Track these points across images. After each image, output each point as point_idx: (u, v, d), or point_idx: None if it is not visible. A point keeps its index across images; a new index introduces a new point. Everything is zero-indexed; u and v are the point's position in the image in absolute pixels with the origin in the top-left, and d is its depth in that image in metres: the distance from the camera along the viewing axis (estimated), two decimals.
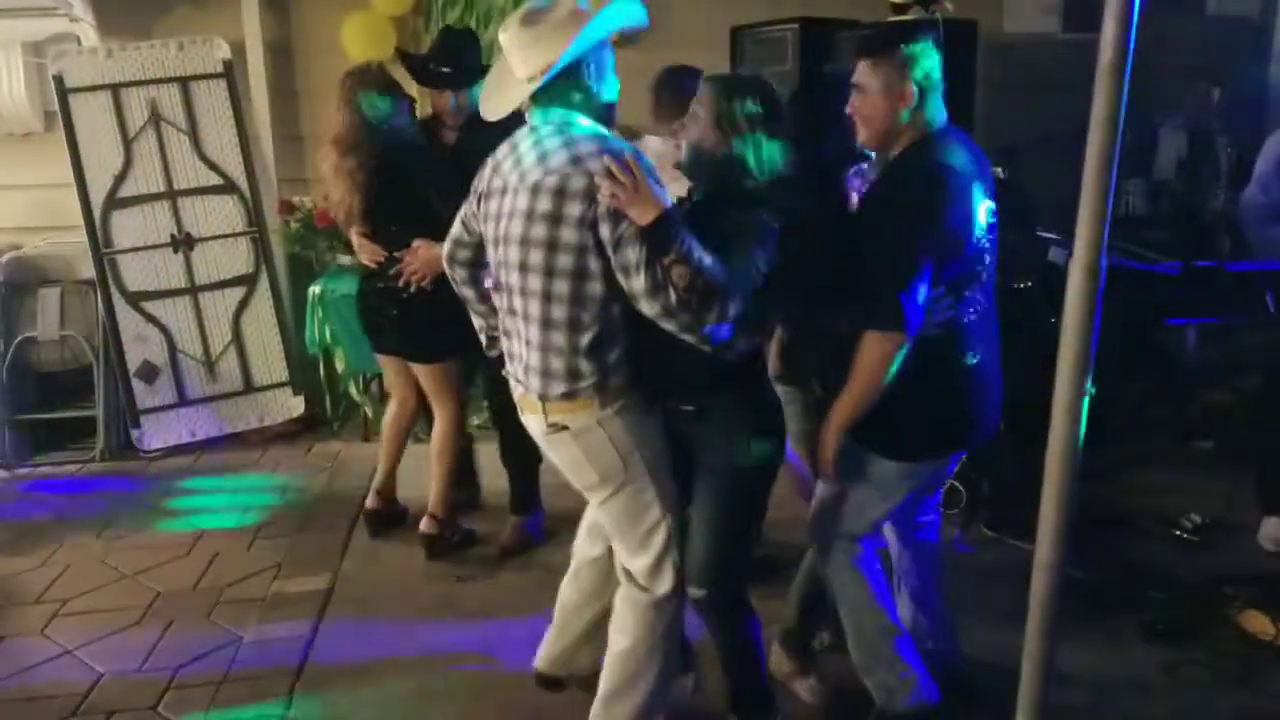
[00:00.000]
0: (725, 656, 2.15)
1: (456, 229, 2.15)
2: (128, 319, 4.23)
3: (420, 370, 3.15)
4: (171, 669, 2.61)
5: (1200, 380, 3.98)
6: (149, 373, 4.25)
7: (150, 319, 4.27)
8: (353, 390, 4.32)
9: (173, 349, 4.29)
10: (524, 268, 1.85)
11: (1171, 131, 4.66)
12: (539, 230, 1.81)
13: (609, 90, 1.90)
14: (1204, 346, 2.58)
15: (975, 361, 2.01)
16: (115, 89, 4.21)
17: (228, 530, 3.48)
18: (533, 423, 1.97)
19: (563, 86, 1.84)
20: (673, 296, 1.73)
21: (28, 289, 4.25)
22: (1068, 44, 5.02)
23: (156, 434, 4.24)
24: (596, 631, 2.24)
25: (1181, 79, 4.72)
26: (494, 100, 1.95)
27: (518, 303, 1.90)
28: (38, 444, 4.26)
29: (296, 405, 4.46)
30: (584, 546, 2.27)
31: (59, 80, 4.14)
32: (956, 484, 3.41)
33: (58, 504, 3.77)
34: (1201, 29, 5.22)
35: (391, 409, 3.38)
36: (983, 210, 1.97)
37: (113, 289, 4.20)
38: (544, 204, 1.80)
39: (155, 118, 4.26)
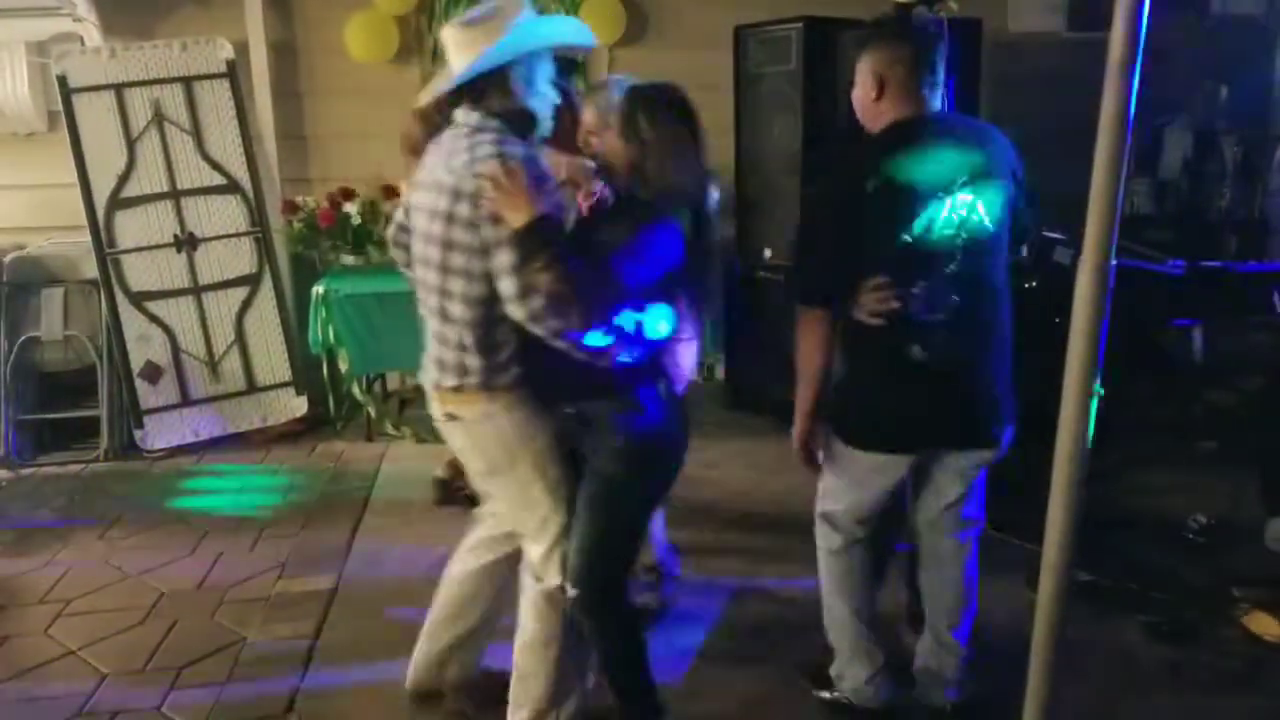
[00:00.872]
0: (602, 660, 2.15)
1: (400, 215, 2.23)
2: (131, 319, 4.23)
3: None
4: (175, 670, 2.61)
5: (1204, 381, 3.97)
6: (152, 373, 4.25)
7: (153, 319, 4.27)
8: (356, 390, 4.32)
9: (176, 349, 4.29)
10: (426, 263, 1.93)
11: (1177, 131, 4.65)
12: (438, 228, 1.88)
13: (538, 102, 1.95)
14: (1209, 347, 2.57)
15: (924, 357, 1.98)
16: (119, 89, 4.21)
17: (231, 530, 3.48)
18: (433, 408, 2.05)
19: (487, 90, 1.90)
20: (538, 302, 1.77)
21: (31, 289, 4.25)
22: (1072, 43, 5.01)
23: (160, 434, 4.24)
24: (467, 642, 2.30)
25: (1186, 78, 4.72)
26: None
27: (422, 294, 2.00)
28: (41, 444, 4.26)
29: (300, 405, 4.46)
30: (468, 558, 2.29)
31: (62, 80, 4.14)
32: None
33: (61, 504, 3.76)
34: (1206, 28, 5.22)
35: None
36: (949, 206, 1.94)
37: (116, 289, 4.20)
38: (443, 203, 1.86)
39: (159, 118, 4.26)
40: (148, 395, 4.24)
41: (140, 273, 4.25)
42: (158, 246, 4.28)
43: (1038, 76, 4.87)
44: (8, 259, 4.27)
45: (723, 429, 4.32)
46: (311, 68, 4.69)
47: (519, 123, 1.93)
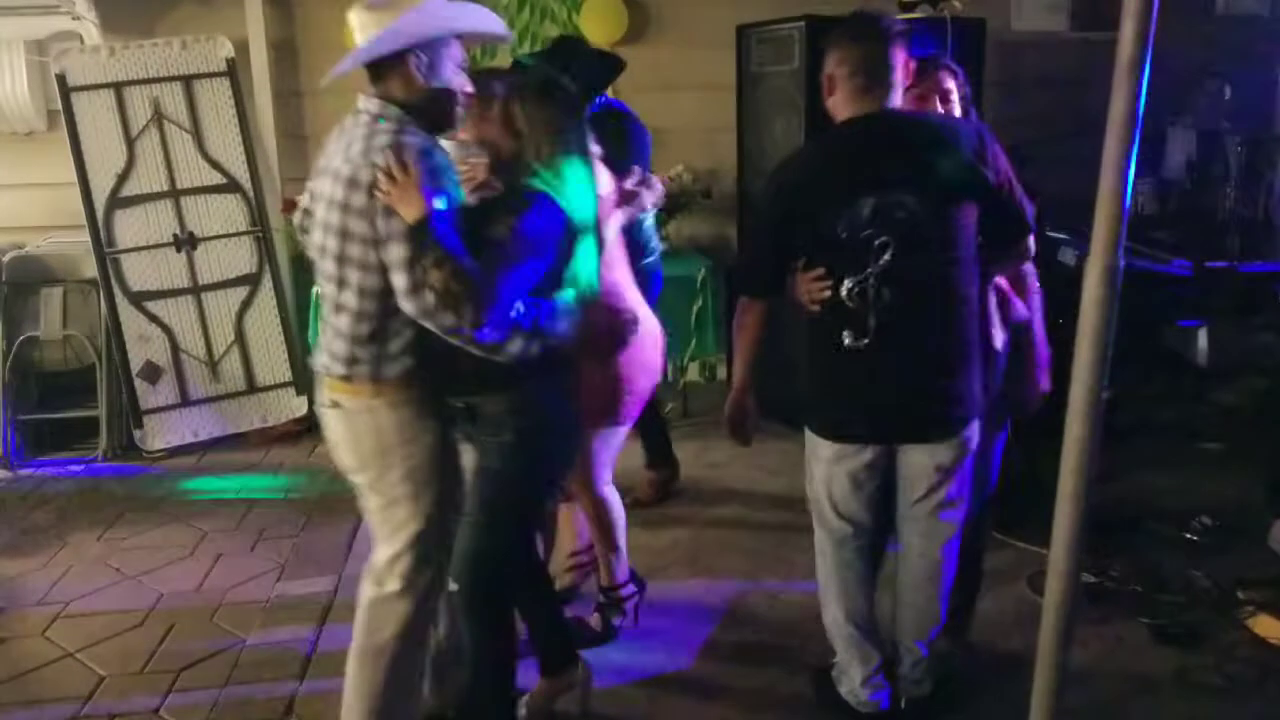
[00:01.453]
0: (472, 665, 2.09)
1: (306, 199, 2.16)
2: (130, 319, 4.21)
3: None
4: (173, 672, 2.60)
5: (1210, 381, 3.95)
6: (152, 373, 4.23)
7: (153, 319, 4.25)
8: None
9: (175, 349, 4.28)
10: (323, 251, 1.89)
11: (1181, 131, 4.63)
12: (334, 217, 1.84)
13: (439, 90, 1.89)
14: (1214, 347, 2.55)
15: (857, 346, 2.04)
16: (118, 87, 4.19)
17: (231, 532, 3.46)
18: (319, 395, 2.01)
19: (388, 76, 1.86)
20: (429, 298, 1.74)
21: (30, 288, 4.23)
22: (1076, 43, 5.00)
23: (159, 434, 4.22)
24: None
25: (1190, 78, 4.70)
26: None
27: (320, 282, 1.96)
28: (40, 444, 4.25)
29: (300, 405, 4.44)
30: (370, 586, 2.12)
31: (61, 79, 4.12)
32: None
33: (60, 504, 3.75)
34: (1210, 28, 5.19)
35: None
36: (880, 203, 1.98)
37: (115, 288, 4.18)
38: (339, 192, 1.82)
39: (158, 116, 4.24)
40: (147, 395, 4.23)
41: (140, 272, 4.23)
42: (157, 246, 4.26)
43: (1041, 76, 4.86)
44: (7, 258, 4.25)
45: (724, 430, 4.28)
46: (311, 66, 4.67)
47: (424, 111, 1.88)
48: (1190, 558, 3.00)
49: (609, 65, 3.30)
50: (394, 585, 1.99)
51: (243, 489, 3.86)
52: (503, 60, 4.46)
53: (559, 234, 1.89)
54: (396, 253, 1.76)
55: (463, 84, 1.92)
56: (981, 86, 3.91)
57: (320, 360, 1.97)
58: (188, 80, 4.28)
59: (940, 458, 2.12)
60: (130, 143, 4.21)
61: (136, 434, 4.21)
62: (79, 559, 3.28)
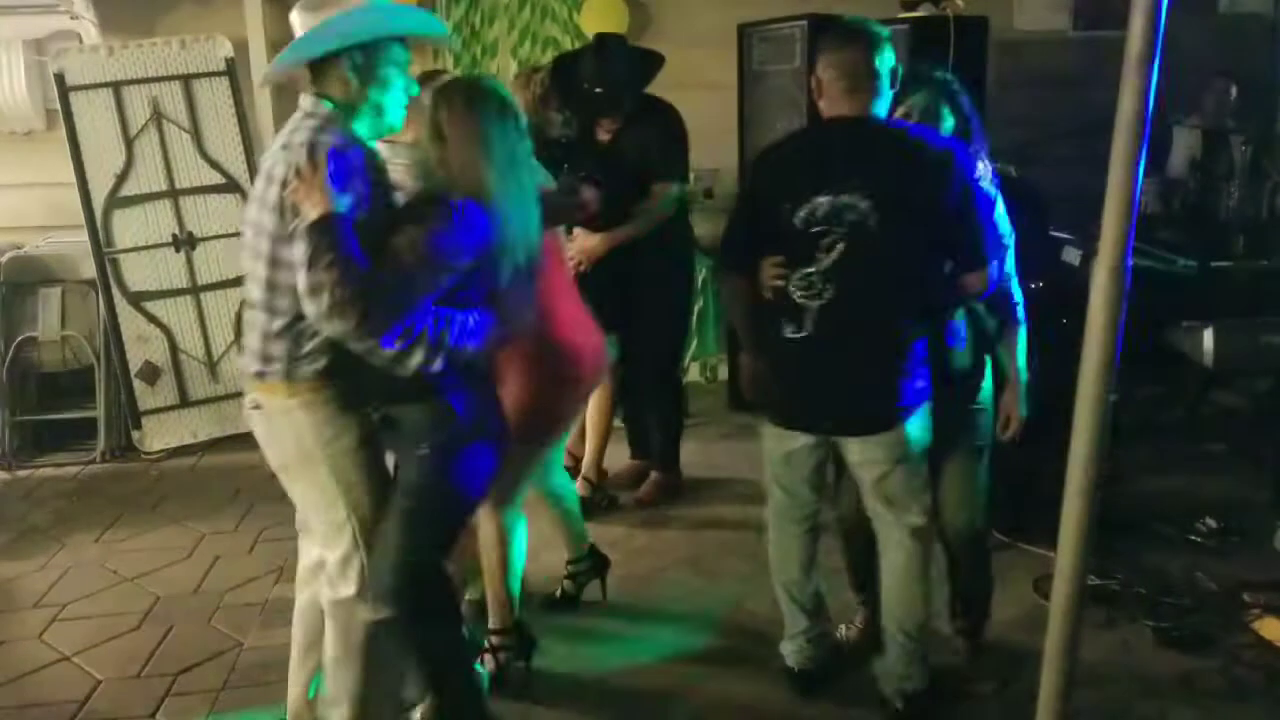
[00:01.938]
0: (424, 684, 2.05)
1: None
2: (129, 319, 4.20)
3: None
4: (171, 676, 2.58)
5: (1214, 382, 3.93)
6: (150, 373, 4.22)
7: (152, 319, 4.24)
8: None
9: (174, 349, 4.26)
10: (244, 247, 1.89)
11: (1186, 129, 4.61)
12: (253, 212, 1.85)
13: (377, 92, 1.86)
14: (1219, 347, 2.53)
15: (795, 336, 2.15)
16: (117, 87, 4.18)
17: (229, 533, 3.44)
18: (246, 395, 1.99)
19: (325, 76, 1.86)
20: (325, 300, 1.69)
21: (28, 288, 4.22)
22: (1078, 41, 4.98)
23: (158, 435, 4.21)
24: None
25: (1193, 77, 4.67)
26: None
27: (246, 279, 1.93)
28: (38, 445, 4.24)
29: None
30: (306, 587, 2.13)
31: (60, 78, 4.11)
32: None
33: (58, 505, 3.73)
34: (1213, 27, 5.17)
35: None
36: (830, 202, 2.08)
37: (114, 289, 4.17)
38: (259, 187, 1.83)
39: (157, 116, 4.22)
40: (146, 396, 4.21)
41: (138, 272, 4.22)
42: (156, 246, 4.24)
43: (1044, 75, 4.84)
44: (5, 258, 4.24)
45: (726, 430, 4.28)
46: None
47: (358, 112, 1.86)
48: (1195, 560, 2.98)
49: (649, 62, 3.32)
50: (349, 589, 1.95)
51: (241, 490, 3.83)
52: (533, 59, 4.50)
53: (474, 247, 1.81)
54: (298, 251, 1.73)
55: (402, 85, 1.89)
56: (984, 86, 3.89)
57: (242, 359, 1.96)
58: (187, 80, 4.26)
59: (874, 453, 2.19)
60: (129, 142, 4.19)
61: (135, 435, 4.19)
62: (76, 561, 3.26)
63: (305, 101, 1.88)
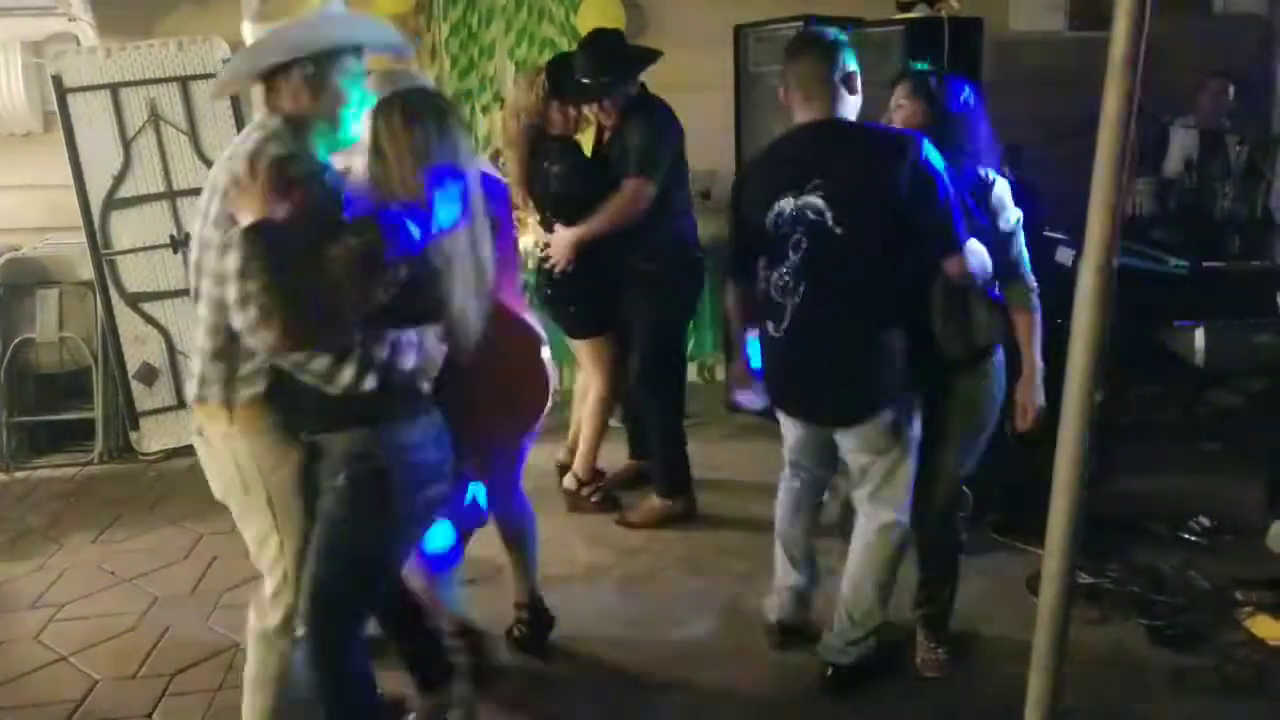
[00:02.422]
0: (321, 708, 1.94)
1: None
2: (127, 320, 4.20)
3: (574, 345, 3.45)
4: (167, 676, 2.59)
5: (1209, 382, 3.94)
6: (148, 374, 4.23)
7: (149, 320, 4.24)
8: None
9: (172, 350, 4.26)
10: (191, 261, 1.82)
11: (1182, 130, 4.62)
12: (198, 226, 1.79)
13: (330, 104, 1.81)
14: (1212, 347, 2.54)
15: (776, 333, 2.29)
16: (114, 89, 4.18)
17: (226, 534, 3.43)
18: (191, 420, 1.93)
19: (277, 86, 1.80)
20: (253, 312, 1.63)
21: (26, 290, 4.23)
22: (1074, 42, 4.99)
23: (156, 436, 4.21)
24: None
25: (1189, 77, 4.69)
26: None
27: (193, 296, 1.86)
28: (36, 446, 4.24)
29: None
30: (255, 618, 2.02)
31: (58, 80, 4.11)
32: (964, 487, 3.38)
33: (55, 507, 3.74)
34: (1209, 27, 5.19)
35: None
36: (794, 203, 2.21)
37: (111, 290, 4.17)
38: (204, 199, 1.79)
39: (154, 118, 4.23)
40: (143, 397, 4.22)
41: (136, 274, 4.22)
42: (153, 247, 4.24)
43: (1039, 75, 4.84)
44: (3, 260, 4.24)
45: (723, 430, 4.29)
46: None
47: (309, 124, 1.81)
48: (1188, 558, 2.99)
49: (640, 54, 3.31)
50: (274, 619, 1.92)
51: None
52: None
53: (411, 261, 1.71)
54: (231, 262, 1.67)
55: (358, 98, 1.83)
56: (980, 85, 3.90)
57: (187, 384, 1.90)
58: (184, 81, 4.26)
59: (854, 443, 2.31)
60: (126, 144, 4.19)
61: (133, 436, 4.20)
62: (74, 562, 3.27)
63: (258, 114, 1.84)
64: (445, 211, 1.75)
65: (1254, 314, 2.56)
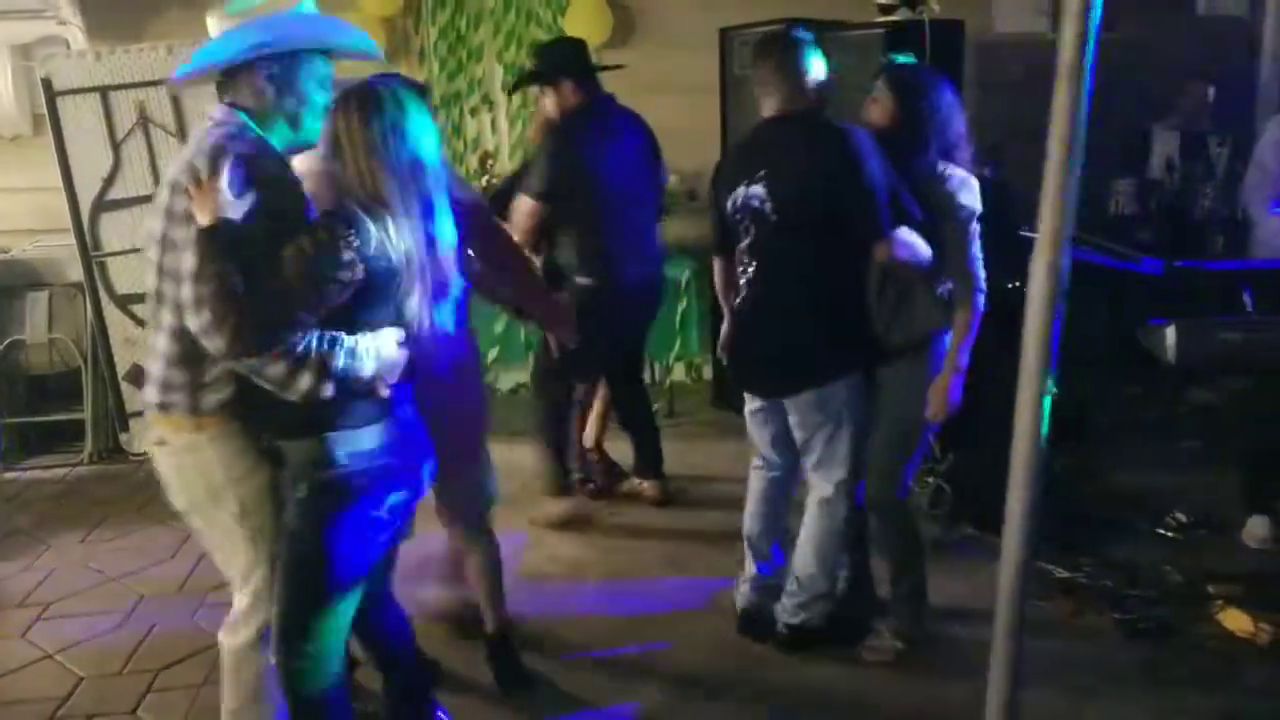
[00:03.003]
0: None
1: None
2: (116, 322, 4.22)
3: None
4: (153, 672, 2.62)
5: (1183, 380, 3.99)
6: (137, 376, 4.21)
7: (139, 322, 4.25)
8: None
9: None
10: (149, 263, 1.77)
11: (1164, 131, 4.66)
12: (157, 225, 1.73)
13: (293, 104, 1.78)
14: (1182, 345, 2.59)
15: (738, 308, 2.51)
16: (104, 92, 4.20)
17: None
18: (148, 430, 1.88)
19: (238, 84, 1.78)
20: (206, 315, 1.58)
21: (16, 292, 4.25)
22: (1057, 44, 5.02)
23: (145, 437, 4.22)
24: None
25: (1172, 79, 4.73)
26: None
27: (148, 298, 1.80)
28: (26, 447, 4.26)
29: None
30: (226, 636, 1.97)
31: (47, 83, 4.13)
32: (943, 483, 3.42)
33: (44, 507, 3.77)
34: (1192, 29, 5.23)
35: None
36: (744, 192, 2.39)
37: (101, 292, 4.19)
38: (163, 197, 1.72)
39: (144, 120, 4.25)
40: (133, 398, 4.23)
41: (125, 276, 4.24)
42: (143, 250, 4.26)
43: (1023, 77, 4.88)
44: None
45: (709, 429, 4.33)
46: None
47: (276, 125, 1.78)
48: (1164, 553, 3.03)
49: (572, 57, 3.31)
50: (248, 634, 1.88)
51: None
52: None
53: (369, 262, 1.66)
54: (188, 261, 1.63)
55: (322, 100, 1.81)
56: (961, 88, 3.95)
57: (144, 392, 1.83)
58: None
59: (795, 415, 2.46)
60: (116, 147, 4.21)
61: (123, 437, 4.22)
62: (62, 561, 3.30)
63: (217, 110, 1.79)
64: (406, 209, 1.70)
65: (1227, 312, 2.60)
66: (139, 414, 4.24)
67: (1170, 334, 2.59)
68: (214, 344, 1.60)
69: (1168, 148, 4.62)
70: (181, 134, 4.29)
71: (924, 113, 2.36)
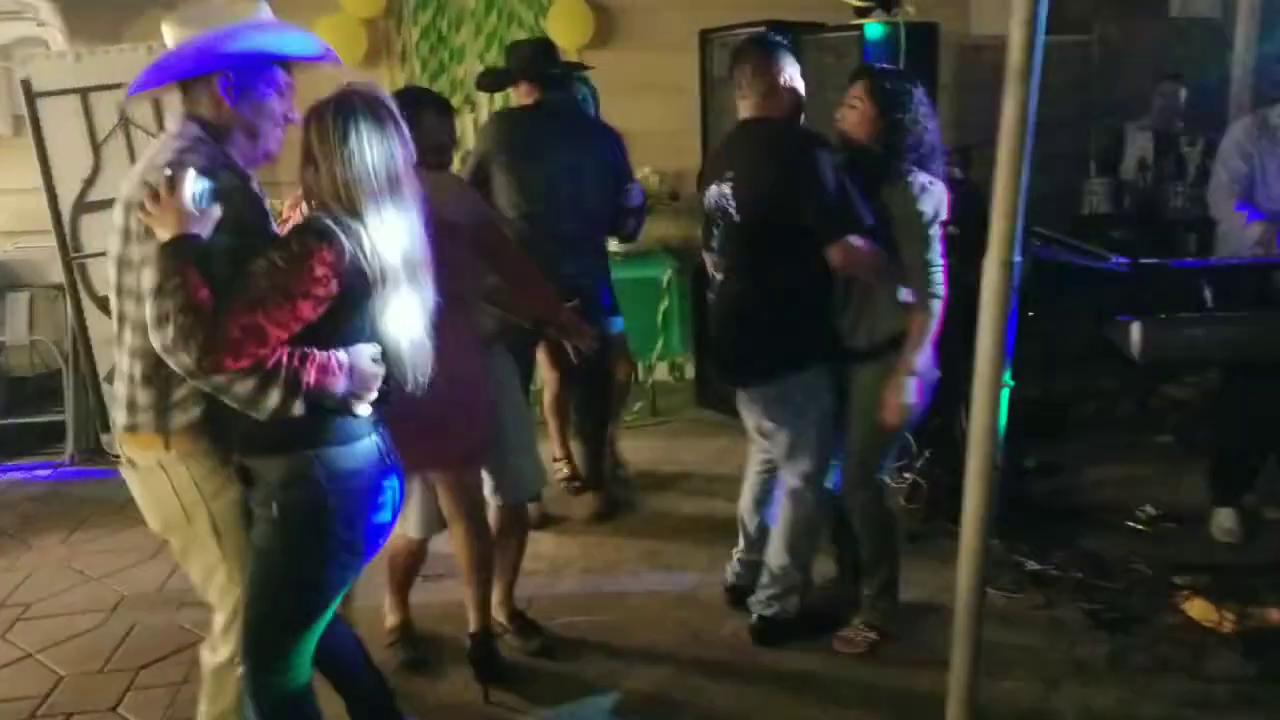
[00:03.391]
0: None
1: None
2: (97, 323, 4.21)
3: None
4: (133, 670, 2.63)
5: (1150, 376, 4.06)
6: None
7: None
8: None
9: None
10: (107, 283, 1.73)
11: (1138, 131, 4.74)
12: (114, 244, 1.69)
13: (252, 115, 1.73)
14: (1146, 341, 2.65)
15: (712, 302, 2.64)
16: (84, 93, 4.20)
17: None
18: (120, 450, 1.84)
19: (196, 93, 1.73)
20: (170, 331, 1.53)
21: None
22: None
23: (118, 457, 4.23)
24: None
25: (1147, 80, 4.80)
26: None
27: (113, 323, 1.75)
28: (6, 448, 4.26)
29: None
30: (206, 653, 1.93)
31: (27, 84, 4.13)
32: (919, 479, 3.47)
33: (26, 508, 3.77)
34: (1165, 30, 5.31)
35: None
36: (716, 190, 2.50)
37: (82, 293, 4.19)
38: (118, 216, 1.68)
39: (124, 121, 4.25)
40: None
41: (106, 277, 4.24)
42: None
43: (998, 79, 4.93)
44: None
45: (692, 428, 4.37)
46: None
47: (230, 135, 1.73)
48: (1132, 546, 3.08)
49: (529, 53, 3.34)
50: (225, 653, 1.86)
51: None
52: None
53: (342, 275, 1.61)
54: (148, 278, 1.58)
55: (282, 109, 1.76)
56: (935, 90, 4.00)
57: (111, 412, 1.81)
58: None
59: (758, 406, 2.54)
60: (97, 148, 4.21)
61: (104, 438, 4.22)
62: (43, 562, 3.30)
63: (173, 122, 1.76)
64: (380, 220, 1.65)
65: (1184, 309, 2.66)
66: None
67: (1135, 330, 2.64)
68: (179, 361, 1.55)
69: (1141, 148, 4.70)
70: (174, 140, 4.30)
71: (903, 123, 2.37)
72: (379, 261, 1.64)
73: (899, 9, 3.88)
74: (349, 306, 1.64)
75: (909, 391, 2.36)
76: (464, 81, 4.93)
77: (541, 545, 3.29)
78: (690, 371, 4.94)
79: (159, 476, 1.74)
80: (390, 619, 2.68)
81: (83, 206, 4.20)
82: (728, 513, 3.53)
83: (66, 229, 4.17)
